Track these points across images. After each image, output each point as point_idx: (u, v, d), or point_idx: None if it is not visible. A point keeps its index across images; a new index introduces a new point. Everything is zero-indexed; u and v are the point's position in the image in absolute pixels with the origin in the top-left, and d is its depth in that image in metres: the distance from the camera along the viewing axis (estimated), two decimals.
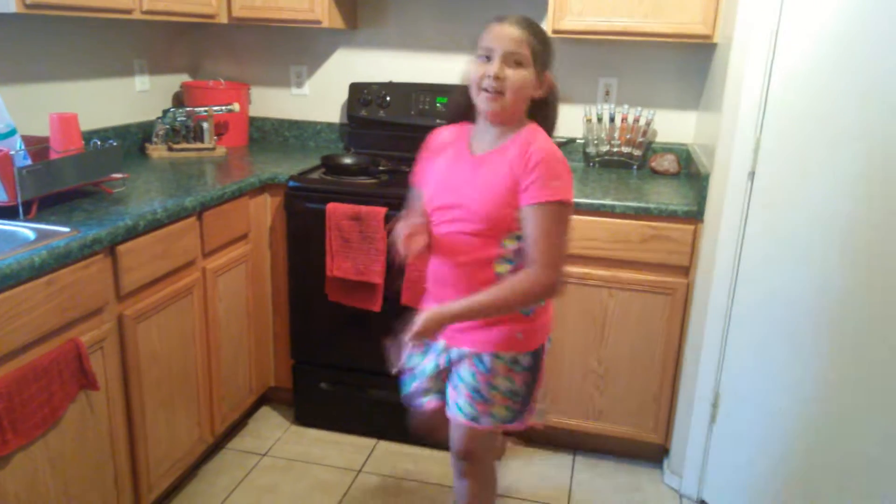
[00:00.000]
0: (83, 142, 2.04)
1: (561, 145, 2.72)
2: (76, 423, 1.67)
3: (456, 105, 1.69)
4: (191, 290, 2.10)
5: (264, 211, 2.52)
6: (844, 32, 1.82)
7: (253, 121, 3.14)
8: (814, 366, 2.02)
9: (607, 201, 2.27)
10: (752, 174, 2.02)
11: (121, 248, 1.77)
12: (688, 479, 2.32)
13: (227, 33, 3.09)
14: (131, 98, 2.79)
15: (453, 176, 1.59)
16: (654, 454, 2.51)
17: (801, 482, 2.08)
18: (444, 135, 1.69)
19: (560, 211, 1.49)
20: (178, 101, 3.06)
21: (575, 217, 2.29)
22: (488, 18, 1.57)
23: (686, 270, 2.28)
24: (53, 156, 1.95)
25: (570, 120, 2.85)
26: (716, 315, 2.16)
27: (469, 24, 2.86)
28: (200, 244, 2.14)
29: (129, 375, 1.86)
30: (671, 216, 2.23)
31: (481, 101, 1.53)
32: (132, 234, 1.81)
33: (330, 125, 3.08)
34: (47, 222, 1.72)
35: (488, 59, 1.51)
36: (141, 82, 2.83)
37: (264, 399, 2.79)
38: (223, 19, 2.72)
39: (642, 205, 2.24)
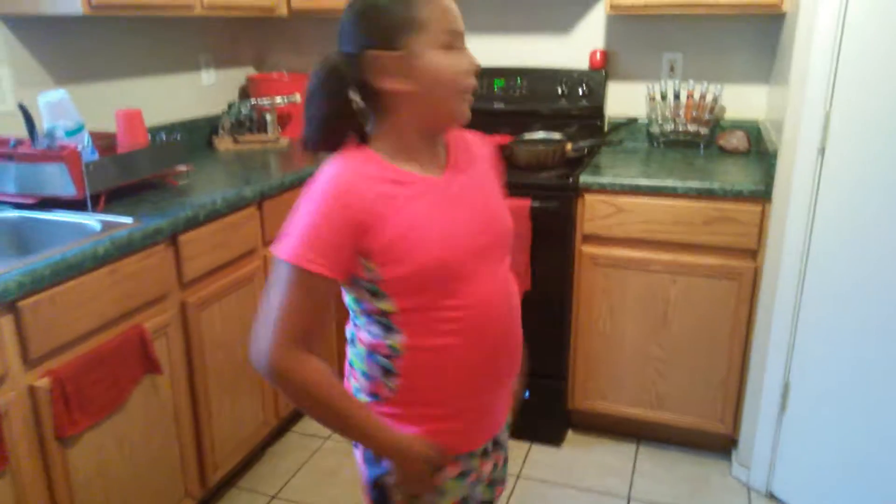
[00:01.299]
0: (148, 136, 2.12)
1: (622, 125, 2.64)
2: (142, 405, 1.76)
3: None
4: (252, 277, 2.16)
5: None
6: None
7: None
8: (888, 355, 1.89)
9: (669, 182, 2.19)
10: (821, 150, 1.90)
11: (182, 237, 1.85)
12: (756, 471, 2.23)
13: (289, 26, 3.15)
14: (198, 92, 2.89)
15: (463, 211, 1.11)
16: (721, 445, 2.42)
17: (875, 477, 1.96)
18: (363, 186, 1.04)
19: None
20: (245, 94, 3.14)
21: (635, 199, 2.23)
22: None
23: (754, 254, 2.17)
24: (120, 151, 2.04)
25: (632, 98, 2.76)
26: (785, 300, 2.05)
27: (529, 5, 2.81)
28: (261, 233, 2.20)
29: (193, 360, 1.94)
30: (737, 196, 2.13)
31: (463, 107, 1.08)
32: (193, 224, 1.87)
33: None
34: (113, 214, 1.81)
35: (452, 46, 1.06)
36: (207, 76, 2.93)
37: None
38: (283, 12, 2.78)
39: (706, 185, 2.15)
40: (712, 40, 2.62)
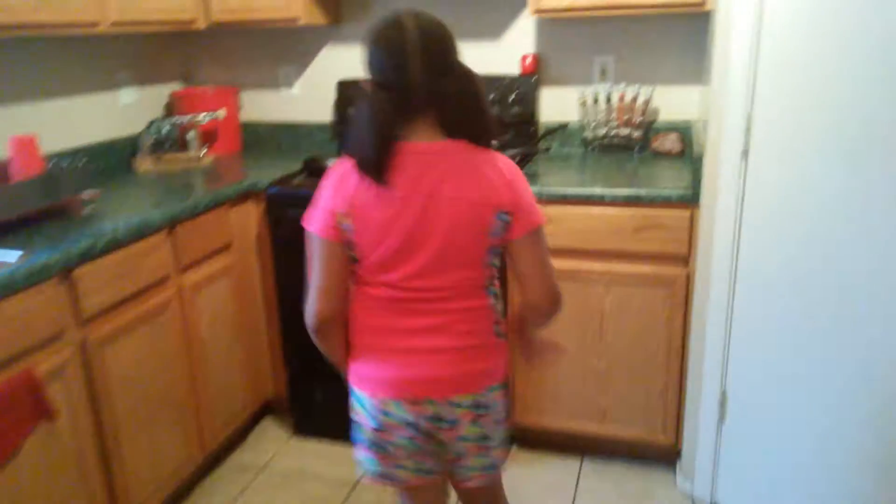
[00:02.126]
0: (43, 163, 2.00)
1: (552, 132, 2.57)
2: (37, 455, 1.64)
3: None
4: (166, 307, 2.05)
5: (249, 220, 2.46)
6: None
7: (246, 126, 3.09)
8: (820, 357, 1.84)
9: (597, 190, 2.12)
10: (745, 153, 1.85)
11: (77, 271, 1.73)
12: (699, 481, 2.17)
13: (215, 38, 3.04)
14: (116, 112, 2.76)
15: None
16: (666, 456, 2.36)
17: (815, 483, 1.91)
18: None
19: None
20: (171, 111, 3.02)
21: (565, 208, 2.16)
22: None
23: (685, 259, 2.11)
24: (14, 180, 1.92)
25: (565, 103, 2.70)
26: (717, 306, 1.99)
27: (457, 10, 2.73)
28: (174, 260, 2.09)
29: (98, 401, 1.82)
30: (665, 202, 2.07)
31: None
32: (90, 256, 1.76)
33: (321, 126, 3.00)
34: (1, 248, 1.69)
35: None
36: (126, 95, 2.80)
37: (267, 410, 2.74)
38: (202, 25, 2.67)
39: (633, 192, 2.09)
40: (643, 42, 2.57)
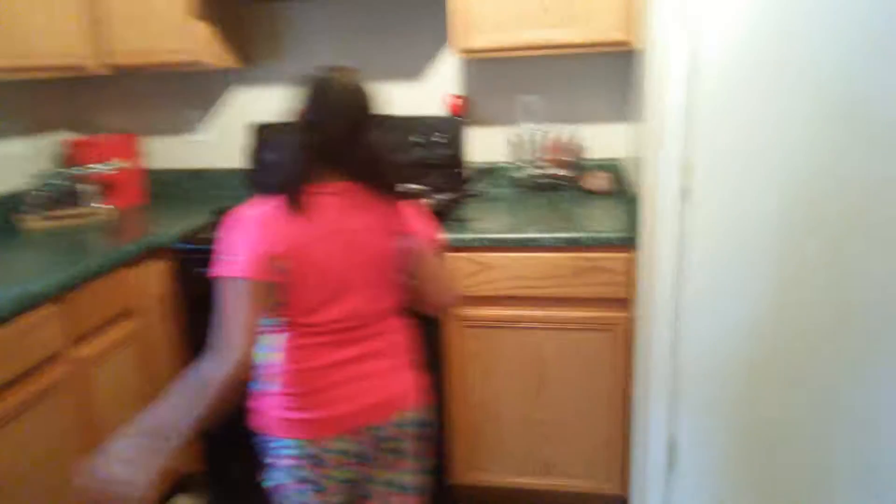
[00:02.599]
0: None
1: (483, 172, 2.47)
2: None
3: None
4: (57, 387, 1.79)
5: (151, 280, 2.22)
6: (765, 21, 1.62)
7: (152, 174, 2.84)
8: (772, 400, 1.79)
9: (533, 234, 2.03)
10: (684, 192, 1.79)
11: None
12: None
13: (113, 82, 2.80)
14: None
15: None
16: None
17: None
18: None
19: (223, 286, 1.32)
20: (63, 162, 2.75)
21: (501, 254, 2.05)
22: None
23: (625, 303, 2.04)
24: None
25: (493, 143, 2.62)
26: (661, 350, 1.92)
27: (380, 49, 2.62)
28: (64, 333, 1.84)
29: None
30: (604, 245, 2.00)
31: None
32: None
33: (231, 172, 2.80)
34: None
35: None
36: (4, 147, 2.52)
37: (180, 488, 2.47)
38: (93, 69, 2.44)
39: (573, 235, 2.00)
40: (566, 80, 2.53)
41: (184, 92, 2.79)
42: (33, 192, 2.41)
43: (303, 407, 1.37)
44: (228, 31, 2.51)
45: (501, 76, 2.57)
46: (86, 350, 1.92)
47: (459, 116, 2.55)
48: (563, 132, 2.48)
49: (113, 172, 2.56)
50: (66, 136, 2.80)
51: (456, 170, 2.58)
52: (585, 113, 2.54)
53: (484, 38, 2.21)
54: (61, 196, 2.47)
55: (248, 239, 1.30)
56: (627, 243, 1.98)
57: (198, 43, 2.36)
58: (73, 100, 2.84)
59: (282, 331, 1.37)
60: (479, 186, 2.59)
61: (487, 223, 2.17)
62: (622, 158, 2.54)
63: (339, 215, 1.35)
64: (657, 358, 1.93)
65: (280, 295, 1.33)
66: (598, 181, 2.48)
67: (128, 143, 2.72)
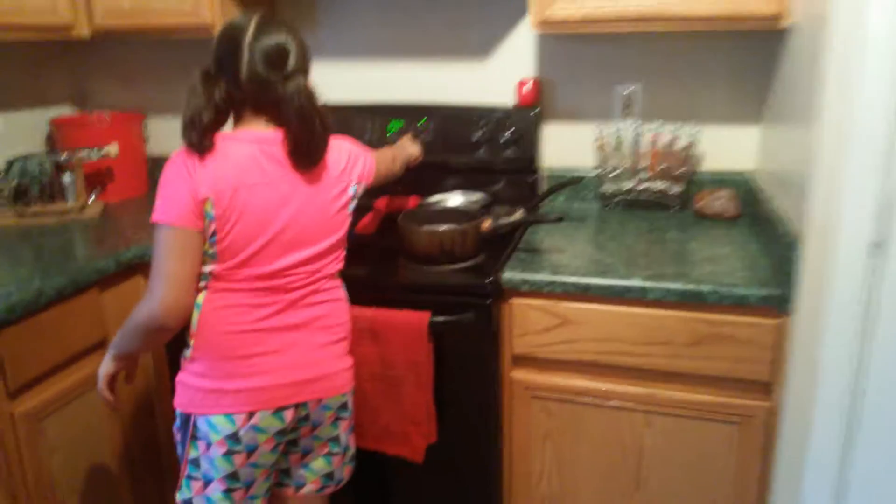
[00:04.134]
0: None
1: (561, 187, 1.88)
2: None
3: None
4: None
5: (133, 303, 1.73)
6: None
7: (153, 161, 2.36)
8: None
9: (635, 282, 1.45)
10: (878, 245, 1.18)
11: None
12: None
13: (116, 51, 2.33)
14: None
15: None
16: None
17: None
18: None
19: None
20: (52, 145, 2.29)
21: (587, 305, 1.48)
22: None
23: (766, 388, 1.44)
24: None
25: (576, 146, 2.03)
26: (821, 459, 1.32)
27: (424, 24, 2.06)
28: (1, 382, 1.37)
29: None
30: (738, 305, 1.40)
31: None
32: None
33: None
34: None
35: None
36: None
37: None
38: (83, 32, 1.96)
39: (690, 287, 1.42)
40: (679, 66, 1.92)
41: (191, 64, 2.27)
42: (3, 181, 1.95)
43: (221, 376, 1.27)
44: None
45: (592, 58, 1.97)
46: (31, 400, 1.45)
47: (534, 108, 1.97)
48: (671, 134, 1.88)
49: (106, 159, 2.09)
50: (59, 113, 2.34)
51: (528, 178, 2.01)
52: (703, 110, 1.93)
53: (571, 6, 1.62)
54: (42, 187, 2.00)
55: (170, 184, 1.25)
56: (775, 304, 1.38)
57: (201, 2, 1.85)
58: (75, 71, 2.37)
59: (207, 286, 1.28)
60: (557, 202, 2.02)
61: (568, 258, 1.60)
62: (752, 172, 1.92)
63: (272, 164, 1.28)
64: (813, 467, 1.33)
65: (212, 245, 1.26)
66: (719, 203, 1.86)
67: (128, 123, 2.24)
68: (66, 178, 2.01)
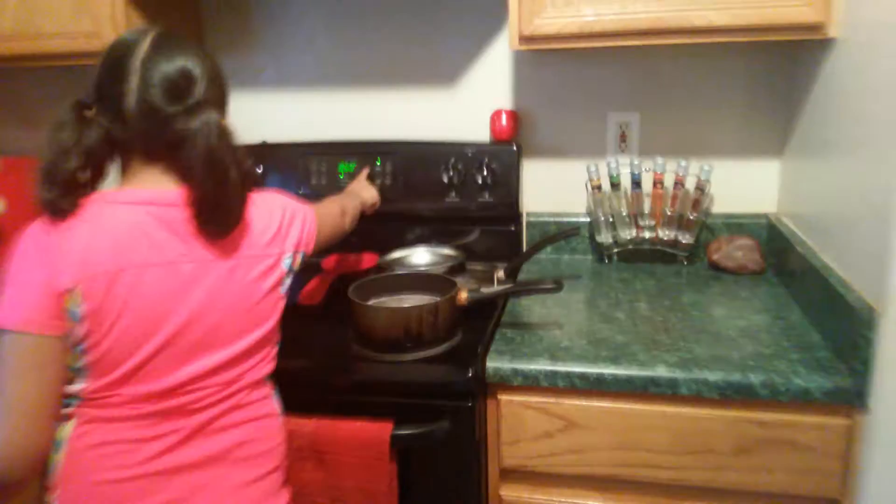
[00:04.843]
0: None
1: (555, 239, 1.54)
2: None
3: None
4: None
5: None
6: None
7: None
8: None
9: (661, 371, 1.11)
10: None
11: None
12: None
13: (5, 84, 1.94)
14: None
15: None
16: None
17: None
18: None
19: None
20: None
21: (597, 404, 1.14)
22: None
23: None
24: None
25: (564, 188, 1.70)
26: None
27: (380, 41, 1.73)
28: None
29: None
30: (798, 400, 1.07)
31: None
32: None
33: None
34: None
35: None
36: None
37: None
38: None
39: (736, 377, 1.08)
40: (689, 91, 1.61)
41: None
42: None
43: None
44: (157, 7, 1.62)
45: (579, 82, 1.66)
46: None
47: (513, 143, 1.64)
48: (677, 172, 1.56)
49: None
50: None
51: (508, 227, 1.67)
52: (713, 142, 1.62)
53: (562, 17, 1.30)
54: None
55: (17, 270, 0.89)
56: (845, 399, 1.05)
57: (102, 21, 1.48)
58: None
59: (73, 413, 0.91)
60: (542, 255, 1.68)
61: (568, 336, 1.25)
62: (774, 215, 1.61)
63: (168, 234, 0.93)
64: None
65: (79, 356, 0.90)
66: (740, 253, 1.55)
67: (21, 171, 1.84)
68: None
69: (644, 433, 1.13)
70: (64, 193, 0.89)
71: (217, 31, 1.80)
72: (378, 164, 1.68)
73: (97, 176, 0.94)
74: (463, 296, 1.24)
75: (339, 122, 1.79)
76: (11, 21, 1.55)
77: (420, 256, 1.64)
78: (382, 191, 1.62)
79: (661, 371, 1.11)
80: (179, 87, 0.92)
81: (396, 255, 1.63)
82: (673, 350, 1.17)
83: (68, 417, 0.91)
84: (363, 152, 1.70)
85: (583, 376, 1.12)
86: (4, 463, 0.84)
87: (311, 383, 1.19)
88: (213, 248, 0.94)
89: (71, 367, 0.89)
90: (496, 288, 1.28)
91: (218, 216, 0.93)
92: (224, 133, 0.93)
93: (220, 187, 0.92)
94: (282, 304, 1.03)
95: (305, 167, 1.71)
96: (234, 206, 0.94)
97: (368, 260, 1.64)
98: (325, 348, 1.27)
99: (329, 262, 1.64)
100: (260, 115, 1.83)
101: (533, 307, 1.39)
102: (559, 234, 1.50)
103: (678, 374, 1.10)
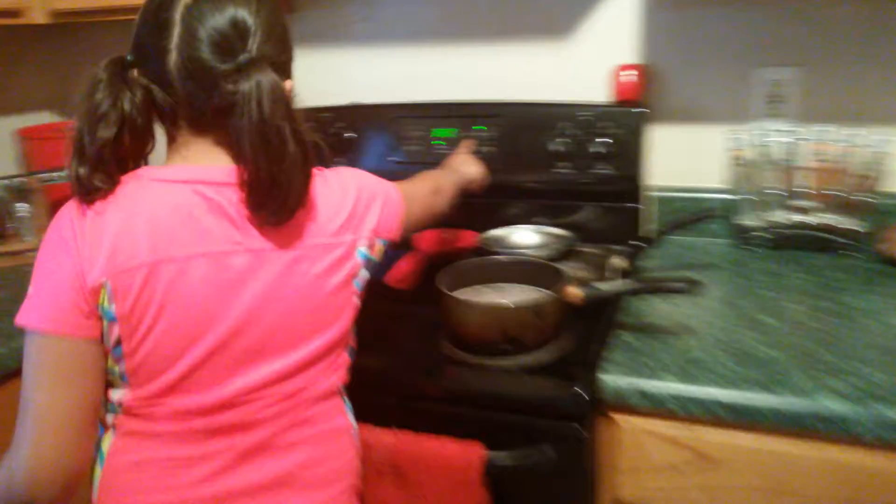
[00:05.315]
0: None
1: (692, 221, 1.30)
2: None
3: None
4: None
5: None
6: None
7: None
8: None
9: (827, 403, 0.86)
10: None
11: None
12: None
13: (104, 38, 1.88)
14: None
15: None
16: None
17: None
18: None
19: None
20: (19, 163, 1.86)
21: (744, 438, 0.91)
22: None
23: None
24: None
25: (697, 159, 1.44)
26: None
27: None
28: None
29: None
30: None
31: None
32: None
33: None
34: None
35: None
36: None
37: None
38: (37, 17, 1.50)
39: None
40: (862, 41, 1.30)
41: None
42: None
43: None
44: None
45: (722, 30, 1.38)
46: None
47: (639, 105, 1.39)
48: (843, 143, 1.27)
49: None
50: (37, 121, 1.91)
51: (629, 204, 1.43)
52: (891, 106, 1.31)
53: None
54: None
55: (45, 260, 0.76)
56: None
57: None
58: (53, 66, 1.93)
59: (114, 424, 0.79)
60: (670, 238, 1.43)
61: (702, 347, 1.02)
62: None
63: (218, 220, 0.77)
64: None
65: (117, 361, 0.76)
66: None
67: None
68: (22, 208, 1.56)
69: (799, 479, 0.89)
70: (97, 168, 0.75)
71: None
72: (477, 129, 1.48)
73: (139, 149, 0.80)
74: (575, 293, 1.03)
75: (436, 81, 1.60)
76: None
77: (524, 236, 1.45)
78: (482, 160, 1.42)
79: (828, 403, 0.86)
80: (229, 40, 0.76)
81: (497, 233, 1.44)
82: (841, 374, 0.92)
83: (110, 428, 0.79)
84: (461, 115, 1.50)
85: (725, 405, 0.90)
86: (33, 482, 0.73)
87: (392, 388, 1.03)
88: (271, 235, 0.79)
89: (111, 371, 0.77)
90: (616, 285, 1.05)
91: (274, 199, 0.77)
92: (280, 97, 0.75)
93: (275, 164, 0.75)
94: (356, 302, 0.87)
95: (397, 131, 1.54)
96: (293, 186, 0.77)
97: (467, 238, 1.45)
98: (409, 344, 1.11)
99: (423, 239, 1.47)
100: (352, 73, 1.67)
101: (657, 304, 1.16)
102: (692, 216, 1.26)
103: (850, 409, 0.85)
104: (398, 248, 1.21)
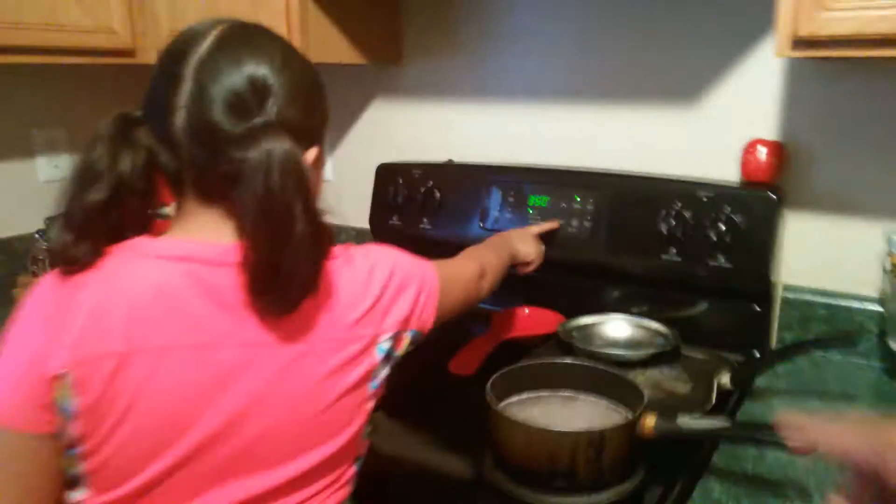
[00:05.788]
0: None
1: (828, 343, 1.04)
2: None
3: None
4: None
5: None
6: None
7: None
8: None
9: None
10: None
11: None
12: None
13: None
14: (30, 193, 1.70)
15: None
16: None
17: None
18: None
19: None
20: None
21: None
22: None
23: None
24: None
25: (844, 258, 1.17)
26: None
27: (602, 52, 1.34)
28: None
29: None
30: None
31: None
32: None
33: (359, 232, 1.70)
34: None
35: None
36: (49, 166, 1.73)
37: None
38: (149, 57, 1.52)
39: None
40: None
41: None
42: (36, 245, 1.56)
43: None
44: (344, 4, 1.42)
45: (879, 106, 1.11)
46: None
47: (773, 188, 1.15)
48: None
49: None
50: None
51: (753, 305, 1.18)
52: None
53: (855, 12, 0.81)
54: None
55: (13, 337, 0.67)
56: None
57: (276, 18, 1.30)
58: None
59: None
60: (804, 357, 1.15)
61: None
62: None
63: (209, 306, 0.66)
64: None
65: (78, 461, 0.66)
66: None
67: None
68: None
69: None
70: (83, 236, 0.66)
71: (415, 31, 1.56)
72: (577, 200, 1.30)
73: (139, 217, 0.71)
74: (649, 423, 0.82)
75: (542, 142, 1.45)
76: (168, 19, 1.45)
77: (617, 327, 1.24)
78: (578, 236, 1.24)
79: None
80: (244, 100, 0.66)
81: (585, 320, 1.25)
82: None
83: None
84: (559, 183, 1.33)
85: None
86: None
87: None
88: (271, 327, 0.66)
89: (68, 472, 0.67)
90: (704, 423, 0.83)
91: (275, 287, 0.65)
92: (294, 169, 0.64)
93: (278, 246, 0.64)
94: (369, 407, 0.73)
95: (487, 195, 1.39)
96: (298, 273, 0.65)
97: (548, 322, 1.27)
98: (445, 458, 0.94)
99: (500, 320, 1.30)
100: (454, 129, 1.56)
101: (773, 464, 0.91)
102: (833, 336, 0.99)
103: None
104: (465, 330, 1.06)
